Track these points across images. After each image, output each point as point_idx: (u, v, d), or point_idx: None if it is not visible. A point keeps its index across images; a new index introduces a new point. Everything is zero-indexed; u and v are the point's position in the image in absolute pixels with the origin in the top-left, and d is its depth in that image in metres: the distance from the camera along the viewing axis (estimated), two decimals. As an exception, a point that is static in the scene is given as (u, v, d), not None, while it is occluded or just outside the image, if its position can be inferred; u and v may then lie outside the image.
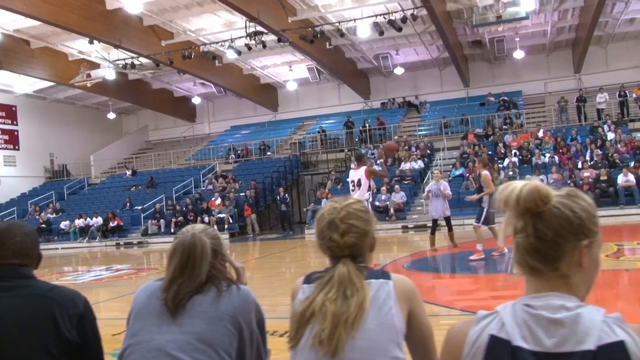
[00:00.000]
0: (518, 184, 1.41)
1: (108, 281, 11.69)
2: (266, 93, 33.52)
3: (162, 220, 23.03)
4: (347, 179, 11.15)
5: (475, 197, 11.04)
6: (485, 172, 10.32)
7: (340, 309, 1.79)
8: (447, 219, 11.99)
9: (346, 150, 27.22)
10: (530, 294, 1.41)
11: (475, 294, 7.68)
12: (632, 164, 19.09)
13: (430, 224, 12.59)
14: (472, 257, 10.03)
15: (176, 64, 24.57)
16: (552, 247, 1.38)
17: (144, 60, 24.89)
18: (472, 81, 30.99)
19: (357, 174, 10.37)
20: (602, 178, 18.71)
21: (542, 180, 1.72)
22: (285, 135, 31.68)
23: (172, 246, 2.14)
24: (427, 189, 12.61)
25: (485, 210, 10.23)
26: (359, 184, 10.21)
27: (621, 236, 12.60)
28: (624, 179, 18.18)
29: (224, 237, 21.70)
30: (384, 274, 1.93)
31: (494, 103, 28.42)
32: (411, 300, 1.91)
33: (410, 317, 1.89)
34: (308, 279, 1.97)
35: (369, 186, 10.19)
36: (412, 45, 27.94)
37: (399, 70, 29.57)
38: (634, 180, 18.07)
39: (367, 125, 27.96)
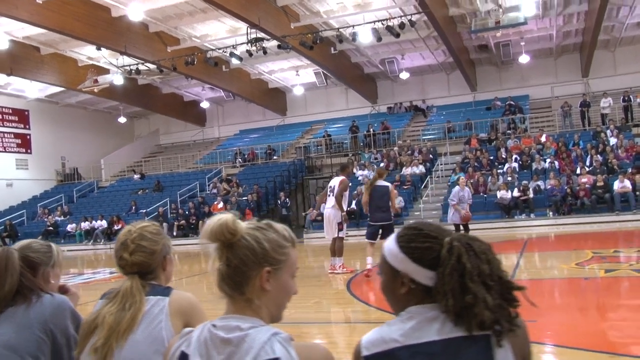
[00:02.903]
0: (214, 218, 1.61)
1: (96, 284, 11.99)
2: (274, 97, 33.81)
3: (164, 224, 23.38)
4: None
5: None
6: (390, 185, 10.07)
7: (116, 320, 1.99)
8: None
9: (350, 154, 27.37)
10: (223, 315, 1.60)
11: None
12: (630, 170, 18.94)
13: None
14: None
15: (182, 69, 24.95)
16: (238, 274, 1.57)
17: (152, 65, 25.33)
18: (480, 85, 30.93)
19: (335, 181, 10.69)
20: (598, 184, 18.61)
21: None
22: (292, 139, 31.94)
23: None
24: (458, 196, 12.53)
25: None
26: (333, 190, 10.52)
27: (601, 243, 12.55)
28: (620, 185, 18.05)
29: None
30: (164, 291, 2.13)
31: (500, 107, 28.33)
32: (188, 315, 2.10)
33: None
34: (103, 295, 2.18)
35: (343, 196, 10.35)
36: (417, 50, 28.01)
37: (404, 75, 29.63)
38: (630, 187, 17.94)
39: (371, 129, 28.06)
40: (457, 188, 12.79)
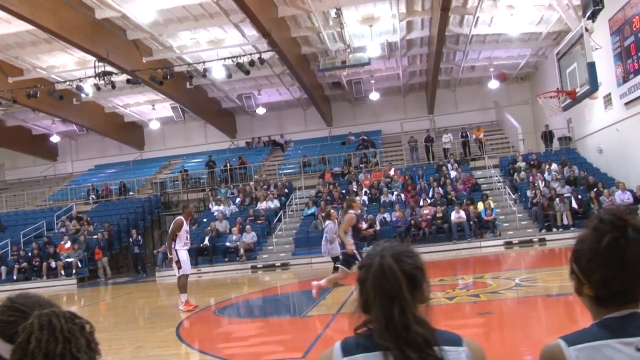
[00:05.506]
0: None
1: None
2: (131, 131, 32.92)
3: (2, 267, 21.75)
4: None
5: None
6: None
7: None
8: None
9: (207, 189, 27.16)
10: None
11: (251, 340, 7.87)
12: (465, 201, 20.40)
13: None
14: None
15: (24, 101, 23.60)
16: None
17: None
18: (335, 120, 32.07)
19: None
20: (438, 215, 19.86)
21: None
22: (150, 174, 31.14)
23: None
24: (335, 229, 11.58)
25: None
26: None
27: (429, 273, 13.27)
28: (456, 215, 19.39)
29: (72, 282, 20.92)
30: None
31: (354, 142, 29.48)
32: None
33: None
34: None
35: (185, 237, 10.66)
36: (273, 86, 28.58)
37: (261, 110, 30.09)
38: (465, 217, 19.31)
39: (228, 164, 28.06)
40: (328, 222, 12.26)
